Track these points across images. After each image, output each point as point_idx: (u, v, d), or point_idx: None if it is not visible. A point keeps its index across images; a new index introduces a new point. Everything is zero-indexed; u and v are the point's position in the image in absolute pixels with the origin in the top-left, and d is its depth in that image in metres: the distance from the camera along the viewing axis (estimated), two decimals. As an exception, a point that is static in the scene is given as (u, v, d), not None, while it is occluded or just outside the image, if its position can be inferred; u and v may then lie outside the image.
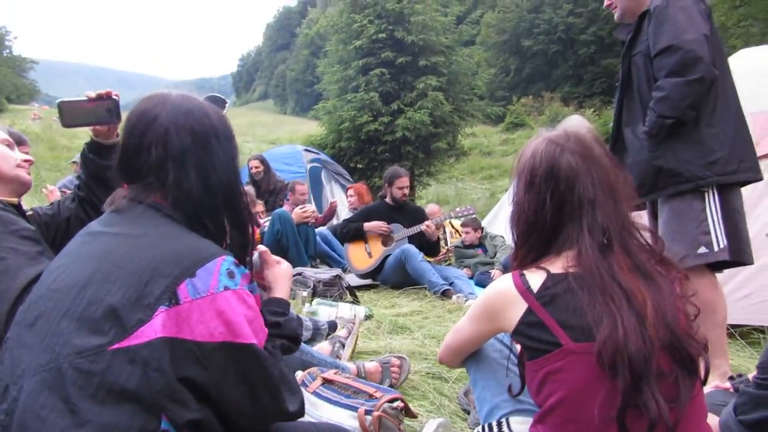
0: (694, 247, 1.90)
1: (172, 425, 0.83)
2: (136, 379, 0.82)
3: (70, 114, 1.56)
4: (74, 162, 6.61)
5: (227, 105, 1.55)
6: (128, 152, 1.02)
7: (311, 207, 4.60)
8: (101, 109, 1.55)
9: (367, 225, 4.38)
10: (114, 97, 1.57)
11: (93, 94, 1.57)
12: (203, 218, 1.00)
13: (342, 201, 7.25)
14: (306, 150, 8.63)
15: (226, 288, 0.90)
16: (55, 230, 1.63)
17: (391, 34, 11.51)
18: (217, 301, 0.88)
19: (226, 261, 0.93)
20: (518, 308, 1.07)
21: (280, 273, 1.25)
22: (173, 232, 0.96)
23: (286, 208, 4.96)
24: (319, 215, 6.12)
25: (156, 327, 0.84)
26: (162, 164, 0.98)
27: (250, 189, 4.85)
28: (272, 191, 5.61)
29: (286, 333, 1.12)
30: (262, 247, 1.26)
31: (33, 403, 0.82)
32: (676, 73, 1.89)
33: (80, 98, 1.57)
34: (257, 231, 4.35)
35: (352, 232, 4.44)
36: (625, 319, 0.97)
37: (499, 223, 5.98)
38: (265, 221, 4.55)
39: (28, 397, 0.83)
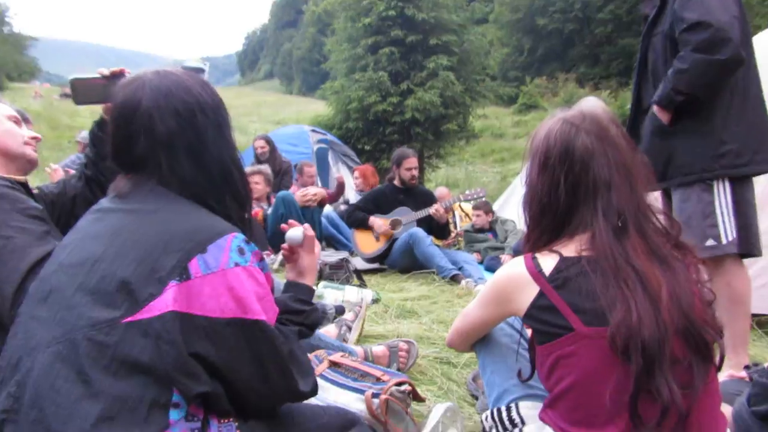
0: (702, 240, 1.89)
1: (183, 398, 0.86)
2: (149, 352, 0.84)
3: (83, 91, 1.58)
4: (78, 141, 6.65)
5: (206, 70, 1.55)
6: (118, 144, 1.02)
7: (313, 189, 4.58)
8: (114, 87, 1.57)
9: (372, 220, 4.38)
10: (127, 74, 1.58)
11: (106, 72, 1.58)
12: (205, 198, 1.01)
13: (349, 183, 7.27)
14: (313, 130, 8.63)
15: (237, 264, 0.92)
16: (60, 209, 1.65)
17: (402, 12, 11.39)
18: (227, 276, 0.90)
19: (237, 238, 0.95)
20: (530, 291, 1.08)
21: (314, 262, 1.28)
22: (185, 208, 0.98)
23: (293, 190, 4.97)
24: (330, 191, 6.20)
25: (167, 301, 0.86)
26: (153, 152, 0.99)
27: (266, 168, 4.84)
28: (278, 172, 5.63)
29: (308, 323, 1.15)
30: (308, 227, 1.28)
31: (47, 374, 0.85)
32: (701, 50, 1.83)
33: (93, 75, 1.58)
34: (260, 212, 4.38)
35: (357, 222, 4.45)
36: (639, 303, 0.97)
37: (511, 208, 5.97)
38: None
39: (42, 368, 0.85)
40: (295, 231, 1.27)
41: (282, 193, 4.42)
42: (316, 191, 4.55)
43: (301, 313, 1.15)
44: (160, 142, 0.99)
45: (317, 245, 1.30)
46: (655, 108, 1.97)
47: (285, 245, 1.28)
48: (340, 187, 6.17)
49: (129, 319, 0.85)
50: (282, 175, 5.68)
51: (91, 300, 0.87)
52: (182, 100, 1.01)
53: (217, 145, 1.03)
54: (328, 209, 5.56)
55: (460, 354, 2.05)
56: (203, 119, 1.02)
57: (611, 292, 1.00)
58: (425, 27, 11.42)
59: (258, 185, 4.67)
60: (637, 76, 2.10)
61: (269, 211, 4.48)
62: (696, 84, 1.86)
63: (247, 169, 4.82)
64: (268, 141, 5.84)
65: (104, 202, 1.04)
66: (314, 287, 1.25)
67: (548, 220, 1.14)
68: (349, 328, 2.21)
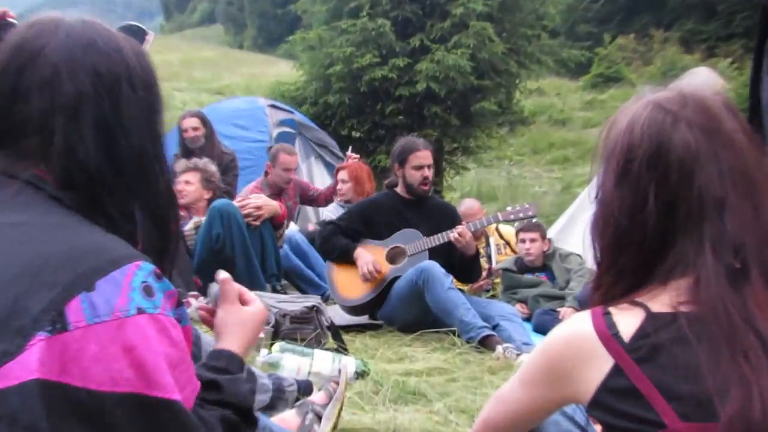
0: None
1: None
2: None
3: None
4: None
5: (150, 39, 1.59)
6: None
7: (257, 199, 4.55)
8: None
9: (359, 254, 4.38)
10: (12, 20, 1.60)
11: None
12: (105, 203, 1.03)
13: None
14: (272, 106, 8.67)
15: (141, 311, 0.92)
16: None
17: (414, -72, 11.52)
18: (125, 329, 0.90)
19: (143, 269, 0.95)
20: (599, 366, 1.08)
21: (238, 317, 1.28)
22: (63, 221, 0.99)
23: (250, 191, 4.99)
24: (319, 191, 6.30)
25: (30, 364, 0.86)
26: (46, 120, 1.01)
27: (207, 163, 4.86)
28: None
29: (228, 400, 1.12)
30: (224, 274, 1.30)
31: None
32: None
33: None
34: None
35: (336, 252, 4.46)
36: (765, 387, 0.98)
37: (576, 235, 5.99)
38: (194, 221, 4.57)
39: None
40: (213, 288, 1.34)
41: (219, 203, 4.42)
42: (260, 203, 4.50)
43: (214, 387, 1.12)
44: (62, 105, 1.01)
45: (247, 295, 1.32)
46: None
47: (204, 306, 1.33)
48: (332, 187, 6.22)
49: None
50: (223, 172, 5.70)
51: None
52: (108, 58, 1.05)
53: (139, 132, 1.07)
54: (292, 229, 5.55)
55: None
56: (129, 92, 1.06)
57: (723, 368, 1.01)
58: (450, -47, 11.56)
59: (190, 186, 4.68)
60: (759, 39, 2.13)
61: (187, 226, 4.47)
62: None
63: (178, 165, 4.85)
64: (204, 120, 5.86)
65: None
66: (240, 354, 1.25)
67: (629, 257, 1.15)
68: (319, 418, 2.21)
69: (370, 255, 4.36)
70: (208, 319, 1.33)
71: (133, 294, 0.93)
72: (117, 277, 0.92)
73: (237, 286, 1.32)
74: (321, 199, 6.34)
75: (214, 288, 1.33)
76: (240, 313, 1.29)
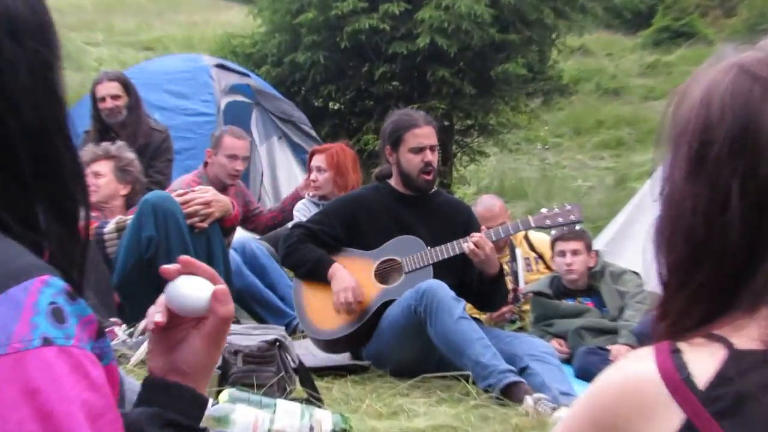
0: None
1: None
2: None
3: None
4: None
5: None
6: None
7: (203, 192, 4.47)
8: None
9: (336, 271, 4.37)
10: None
11: None
12: None
13: (296, 178, 7.24)
14: (220, 67, 8.64)
15: (48, 341, 0.92)
16: None
17: None
18: (26, 366, 0.91)
19: (51, 286, 0.96)
20: (665, 422, 1.09)
21: (216, 356, 1.30)
22: None
23: (188, 183, 4.97)
24: (266, 210, 6.22)
25: None
26: None
27: (123, 149, 4.83)
28: (142, 151, 5.63)
29: None
30: (225, 291, 1.28)
31: None
32: None
33: None
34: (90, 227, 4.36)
35: (307, 266, 4.46)
36: None
37: (634, 246, 5.99)
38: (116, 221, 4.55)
39: None
40: (192, 286, 1.27)
41: (154, 196, 4.40)
42: (209, 197, 4.45)
43: None
44: None
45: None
46: None
47: (156, 316, 1.29)
48: (294, 199, 6.14)
49: None
50: (150, 156, 5.68)
51: None
52: None
53: (32, 101, 1.07)
54: (242, 236, 5.52)
55: None
56: (14, 50, 1.06)
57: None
58: None
59: (100, 178, 4.68)
60: None
61: (108, 226, 4.45)
62: None
63: (84, 152, 4.83)
64: (127, 85, 5.87)
65: None
66: (207, 397, 1.27)
67: (706, 275, 1.15)
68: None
69: (350, 275, 4.35)
70: (157, 330, 1.29)
71: (38, 318, 0.92)
72: (16, 295, 0.92)
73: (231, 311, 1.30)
74: (261, 221, 6.28)
75: (196, 290, 1.26)
76: (219, 350, 1.30)
